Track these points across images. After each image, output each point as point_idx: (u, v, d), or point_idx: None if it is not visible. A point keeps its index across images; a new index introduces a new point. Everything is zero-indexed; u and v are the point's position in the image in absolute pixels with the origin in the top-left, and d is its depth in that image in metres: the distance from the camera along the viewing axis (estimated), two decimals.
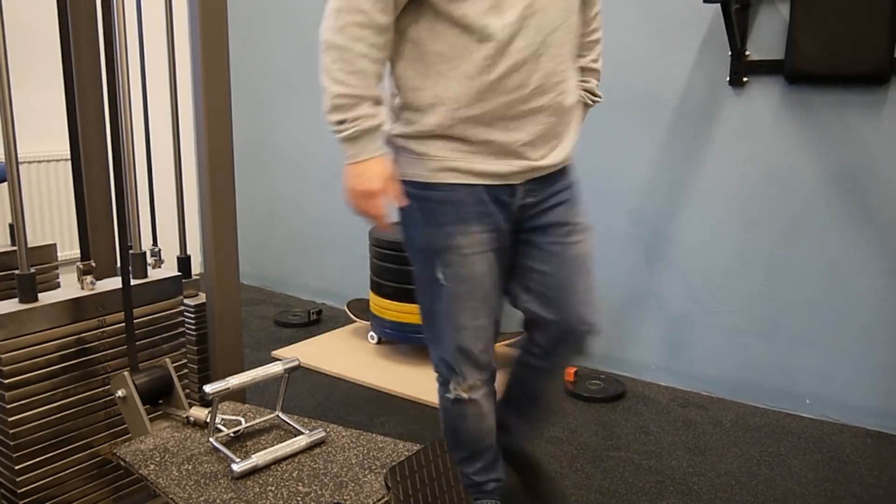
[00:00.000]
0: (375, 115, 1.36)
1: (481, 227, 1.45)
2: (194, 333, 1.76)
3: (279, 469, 1.30)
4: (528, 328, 1.60)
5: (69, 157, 1.46)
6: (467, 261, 1.46)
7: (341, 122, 1.34)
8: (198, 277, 1.85)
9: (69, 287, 1.54)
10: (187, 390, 1.69)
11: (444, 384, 1.57)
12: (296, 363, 1.46)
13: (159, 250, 1.82)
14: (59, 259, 1.95)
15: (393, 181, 1.41)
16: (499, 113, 1.38)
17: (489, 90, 1.36)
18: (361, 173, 1.37)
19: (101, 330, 1.51)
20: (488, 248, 1.47)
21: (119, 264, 1.64)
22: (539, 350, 1.59)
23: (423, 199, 1.45)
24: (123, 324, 1.52)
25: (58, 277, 1.91)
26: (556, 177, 1.51)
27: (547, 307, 1.53)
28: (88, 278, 1.52)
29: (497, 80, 1.35)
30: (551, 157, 1.46)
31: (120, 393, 1.44)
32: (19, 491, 1.42)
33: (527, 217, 1.50)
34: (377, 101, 1.36)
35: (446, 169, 1.42)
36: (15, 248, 1.79)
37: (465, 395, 1.54)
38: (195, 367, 1.78)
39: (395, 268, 2.77)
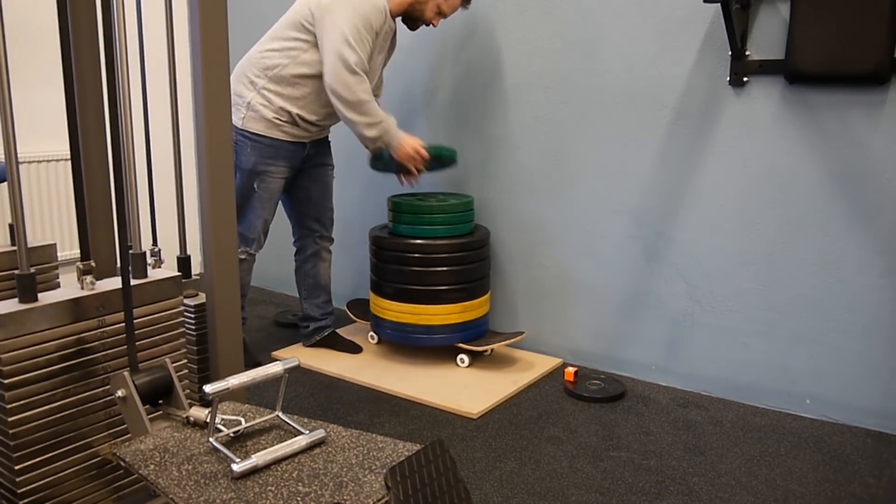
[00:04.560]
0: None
1: (286, 163, 2.72)
2: (194, 333, 1.76)
3: (279, 469, 1.30)
4: (299, 229, 2.99)
5: (69, 157, 1.46)
6: (273, 180, 2.70)
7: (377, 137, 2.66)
8: (198, 277, 1.85)
9: (69, 287, 1.54)
10: (187, 390, 1.69)
11: (240, 247, 2.65)
12: (296, 363, 1.46)
13: (159, 250, 1.82)
14: (59, 259, 1.95)
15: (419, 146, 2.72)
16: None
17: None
18: (403, 145, 2.67)
19: (101, 330, 1.51)
20: (285, 176, 2.75)
21: (119, 264, 1.64)
22: (310, 242, 2.98)
23: (257, 142, 2.65)
24: (123, 324, 1.52)
25: (58, 277, 1.91)
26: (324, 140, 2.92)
27: (308, 209, 2.93)
28: (88, 278, 1.52)
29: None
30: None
31: (120, 393, 1.43)
32: (19, 491, 1.42)
33: (308, 160, 2.84)
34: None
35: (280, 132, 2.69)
36: (15, 248, 1.79)
37: (248, 256, 2.72)
38: (195, 367, 1.78)
39: (395, 268, 2.77)
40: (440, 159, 2.77)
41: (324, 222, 2.96)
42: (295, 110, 2.63)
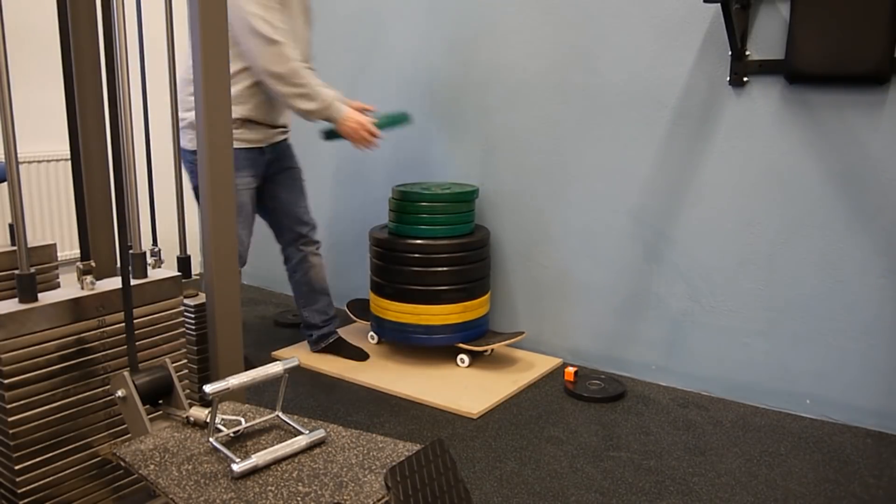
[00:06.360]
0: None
1: (249, 173, 2.60)
2: (194, 333, 1.76)
3: (279, 469, 1.30)
4: (281, 238, 2.87)
5: (69, 157, 1.46)
6: (240, 193, 2.56)
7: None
8: (198, 277, 1.85)
9: (69, 287, 1.54)
10: (187, 390, 1.69)
11: None
12: (296, 363, 1.46)
13: (159, 250, 1.82)
14: (59, 259, 1.95)
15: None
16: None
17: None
18: (347, 121, 2.56)
19: (101, 330, 1.51)
20: (251, 186, 2.63)
21: (119, 264, 1.64)
22: (293, 250, 2.86)
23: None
24: (123, 324, 1.52)
25: (58, 277, 1.91)
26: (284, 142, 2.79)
27: (282, 217, 2.81)
28: (88, 278, 1.52)
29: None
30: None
31: (120, 393, 1.43)
32: (19, 491, 1.42)
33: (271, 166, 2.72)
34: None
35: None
36: (15, 248, 1.79)
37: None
38: (195, 367, 1.78)
39: (395, 268, 2.77)
40: (393, 127, 2.74)
41: (302, 227, 2.82)
42: (239, 113, 2.51)
